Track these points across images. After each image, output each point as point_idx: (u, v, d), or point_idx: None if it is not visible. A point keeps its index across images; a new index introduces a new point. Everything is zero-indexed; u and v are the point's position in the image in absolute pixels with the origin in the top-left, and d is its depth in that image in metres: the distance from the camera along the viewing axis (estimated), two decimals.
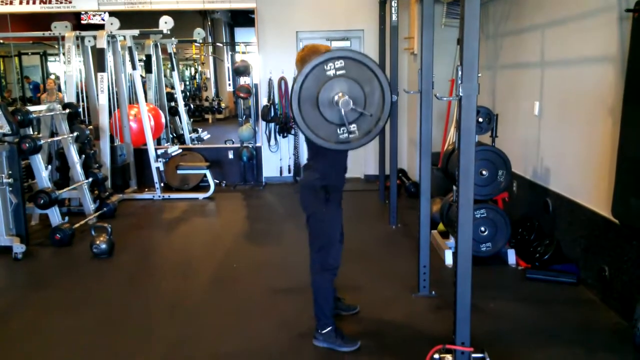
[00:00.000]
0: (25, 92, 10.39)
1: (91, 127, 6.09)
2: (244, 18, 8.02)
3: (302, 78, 2.38)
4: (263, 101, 7.13)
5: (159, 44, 7.76)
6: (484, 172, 3.87)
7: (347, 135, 2.44)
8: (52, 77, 8.17)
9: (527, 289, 3.60)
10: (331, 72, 2.38)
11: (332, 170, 2.78)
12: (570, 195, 3.70)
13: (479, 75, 2.18)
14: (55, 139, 5.41)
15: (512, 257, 4.00)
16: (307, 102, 2.40)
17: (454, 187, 2.50)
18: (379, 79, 2.41)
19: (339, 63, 2.38)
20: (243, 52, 8.77)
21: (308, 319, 3.07)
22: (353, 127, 2.40)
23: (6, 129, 4.48)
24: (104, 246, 4.42)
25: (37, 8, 7.02)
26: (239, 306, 3.49)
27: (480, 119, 3.97)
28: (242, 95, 7.04)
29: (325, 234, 2.81)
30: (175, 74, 8.36)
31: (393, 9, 4.83)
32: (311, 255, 2.87)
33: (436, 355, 2.40)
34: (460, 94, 2.19)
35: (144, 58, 7.63)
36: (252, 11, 7.09)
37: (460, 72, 2.18)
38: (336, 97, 2.36)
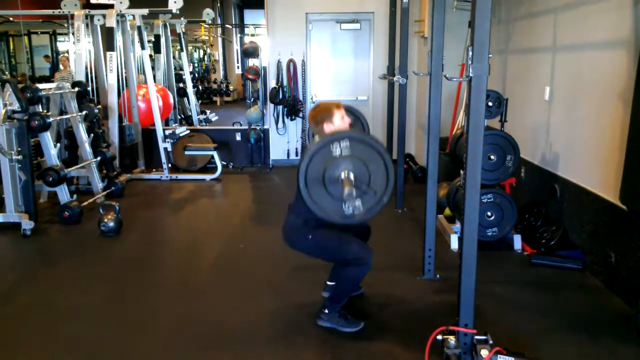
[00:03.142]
0: (35, 72, 10.44)
1: (100, 106, 6.11)
2: None
3: (309, 159, 2.46)
4: (271, 83, 7.11)
5: (168, 24, 7.74)
6: (492, 157, 3.85)
7: (352, 211, 2.50)
8: (66, 54, 8.24)
9: (532, 274, 3.61)
10: (337, 152, 2.45)
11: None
12: (578, 181, 3.69)
13: (490, 56, 2.16)
14: (64, 117, 5.43)
15: (518, 242, 4.00)
16: (313, 180, 2.48)
17: (462, 172, 2.49)
18: (384, 158, 2.48)
19: (345, 143, 2.45)
20: (252, 34, 8.74)
21: (313, 298, 3.09)
22: (358, 202, 2.46)
23: (16, 106, 4.50)
24: (111, 224, 4.46)
25: None
26: (245, 285, 3.52)
27: (490, 103, 3.94)
28: (250, 77, 7.02)
29: (328, 247, 2.79)
30: (184, 55, 8.36)
31: None
32: (344, 268, 2.80)
33: (439, 337, 2.42)
34: (471, 75, 2.17)
35: (153, 39, 7.62)
36: None
37: (470, 53, 2.16)
38: (342, 176, 2.43)
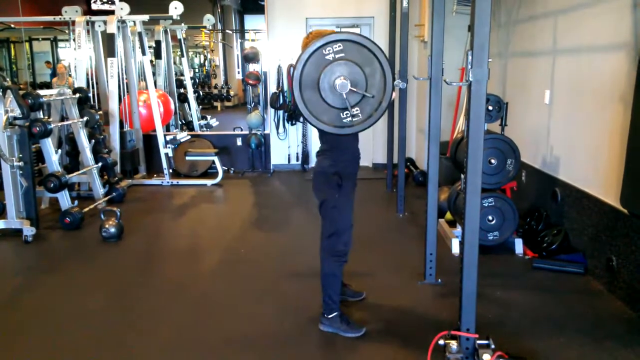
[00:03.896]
0: (35, 78, 10.47)
1: (101, 112, 6.12)
2: (254, 5, 7.99)
3: (302, 64, 2.37)
4: (272, 88, 7.13)
5: (168, 30, 7.76)
6: (492, 161, 3.85)
7: (350, 119, 2.43)
8: (63, 62, 8.23)
9: (533, 278, 3.60)
10: (330, 56, 2.37)
11: (344, 156, 2.78)
12: (579, 184, 3.68)
13: (490, 60, 2.16)
14: (66, 123, 5.44)
15: (519, 246, 3.99)
16: (308, 88, 2.39)
17: (462, 176, 2.49)
18: (379, 59, 2.39)
19: (338, 46, 2.36)
20: (252, 40, 8.75)
21: (315, 304, 3.09)
22: (356, 110, 2.39)
23: (17, 112, 4.52)
24: (113, 230, 4.46)
25: None
26: (246, 290, 3.51)
27: (490, 107, 3.95)
28: (251, 82, 7.04)
29: (338, 220, 2.81)
30: (184, 60, 8.37)
31: None
32: (322, 242, 2.87)
33: (441, 341, 2.41)
34: (470, 79, 2.17)
35: (154, 45, 7.64)
36: None
37: (470, 58, 2.16)
38: (337, 81, 2.35)
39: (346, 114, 2.43)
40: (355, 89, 2.36)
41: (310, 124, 2.49)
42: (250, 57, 7.04)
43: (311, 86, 2.39)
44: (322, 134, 2.74)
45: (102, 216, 4.56)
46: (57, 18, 6.44)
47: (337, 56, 2.36)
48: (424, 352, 2.43)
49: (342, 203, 2.80)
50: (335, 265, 2.84)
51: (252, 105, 7.24)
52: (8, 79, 9.78)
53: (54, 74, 10.17)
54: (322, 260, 2.87)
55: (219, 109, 11.00)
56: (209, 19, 7.70)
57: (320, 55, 2.37)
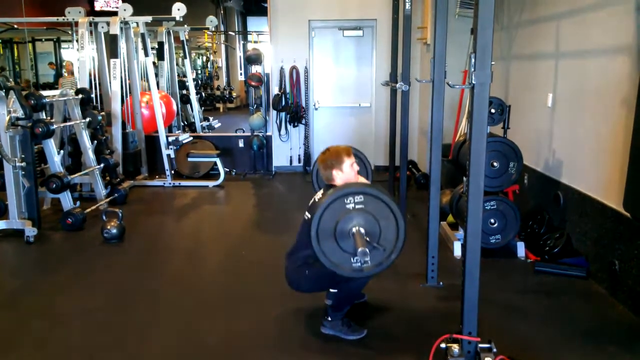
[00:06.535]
0: (38, 79, 10.50)
1: (103, 113, 6.13)
2: (257, 6, 8.03)
3: (323, 209, 2.48)
4: (274, 90, 7.13)
5: (171, 31, 7.78)
6: (495, 164, 3.84)
7: (360, 264, 2.52)
8: (71, 61, 8.32)
9: (536, 281, 3.59)
10: (351, 206, 2.48)
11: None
12: (582, 188, 3.67)
13: (492, 63, 2.16)
14: (68, 124, 5.45)
15: (521, 249, 3.98)
16: (324, 231, 2.49)
17: (464, 178, 2.49)
18: (396, 216, 2.51)
19: (359, 198, 2.48)
20: (255, 41, 8.77)
21: (316, 306, 3.08)
22: (367, 258, 2.45)
23: (20, 113, 4.52)
24: (114, 231, 4.46)
25: None
26: (247, 292, 3.51)
27: (493, 110, 3.94)
28: (253, 84, 7.04)
29: (326, 275, 2.67)
30: (187, 62, 8.38)
31: None
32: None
33: (443, 345, 2.40)
34: (473, 82, 2.17)
35: (157, 46, 7.65)
36: None
37: (473, 60, 2.16)
38: (353, 230, 2.45)
39: (356, 259, 2.52)
40: (368, 239, 2.46)
41: (324, 264, 2.55)
42: (252, 59, 7.05)
43: (328, 229, 2.49)
44: (304, 242, 2.69)
45: (104, 217, 4.56)
46: (60, 19, 6.46)
47: (357, 206, 2.49)
48: (425, 356, 2.43)
49: (315, 267, 2.74)
50: (362, 283, 2.82)
51: (254, 106, 7.23)
52: (11, 80, 9.81)
53: (57, 75, 10.21)
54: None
55: (221, 110, 11.03)
56: (211, 21, 7.72)
57: (341, 203, 2.49)
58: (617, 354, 2.69)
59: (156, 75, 7.19)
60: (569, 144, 3.91)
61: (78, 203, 5.09)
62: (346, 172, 2.82)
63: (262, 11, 7.30)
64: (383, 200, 2.51)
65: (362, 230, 2.46)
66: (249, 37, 9.39)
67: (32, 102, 4.66)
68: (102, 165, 5.57)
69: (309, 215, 2.63)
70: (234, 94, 11.14)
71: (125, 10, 6.26)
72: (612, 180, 3.27)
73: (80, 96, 5.47)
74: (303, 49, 7.07)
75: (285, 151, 7.39)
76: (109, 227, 4.46)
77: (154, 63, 7.26)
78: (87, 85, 6.18)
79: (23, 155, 4.57)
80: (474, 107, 2.20)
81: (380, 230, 2.51)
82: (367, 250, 2.38)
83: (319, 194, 2.80)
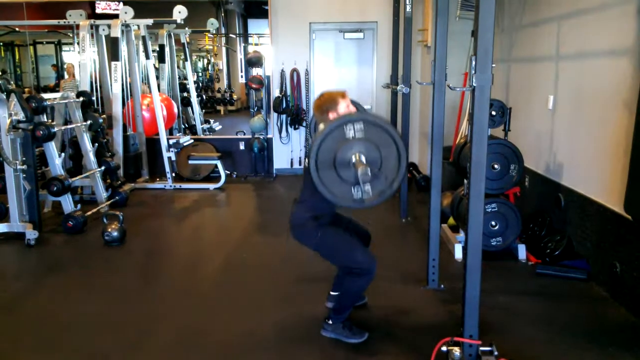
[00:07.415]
0: (40, 81, 10.51)
1: (104, 115, 6.14)
2: (257, 9, 8.02)
3: (322, 138, 2.41)
4: (275, 93, 7.13)
5: (172, 34, 7.79)
6: (495, 166, 3.84)
7: (361, 194, 2.46)
8: (71, 63, 8.35)
9: (537, 284, 3.58)
10: (350, 134, 2.41)
11: (324, 203, 2.68)
12: (583, 190, 3.67)
13: (493, 65, 2.16)
14: (69, 126, 5.45)
15: (522, 252, 3.98)
16: (324, 161, 2.43)
17: (465, 181, 2.48)
18: (397, 143, 2.45)
19: (359, 125, 2.41)
20: (256, 44, 8.78)
21: (316, 309, 3.08)
22: (367, 187, 2.42)
23: (21, 115, 4.53)
24: (115, 234, 4.46)
25: None
26: (248, 295, 3.51)
27: (494, 112, 3.94)
28: (254, 86, 7.04)
29: (336, 250, 2.78)
30: (188, 64, 8.39)
31: (407, 0, 4.79)
32: (342, 270, 2.87)
33: (444, 348, 2.40)
34: (474, 85, 2.17)
35: (157, 49, 7.66)
36: (265, 2, 7.07)
37: (474, 63, 2.16)
38: (353, 159, 2.39)
39: (357, 189, 2.46)
40: (371, 173, 2.39)
41: (323, 195, 2.49)
42: (253, 61, 7.05)
43: (327, 159, 2.43)
44: (308, 186, 2.66)
45: (105, 220, 4.56)
46: (62, 22, 6.47)
47: (357, 135, 2.42)
48: (427, 359, 2.42)
49: (329, 237, 2.76)
50: (364, 281, 2.78)
51: (255, 109, 7.24)
52: (12, 82, 9.82)
53: (59, 77, 10.22)
54: (351, 276, 2.77)
55: (222, 112, 11.02)
56: (212, 23, 7.72)
57: (340, 132, 2.42)
58: (618, 356, 2.69)
59: (157, 77, 7.20)
60: (569, 146, 3.91)
61: (79, 206, 5.09)
62: (342, 114, 2.73)
63: (263, 14, 7.30)
64: (383, 128, 2.43)
65: (363, 157, 2.38)
66: (250, 40, 9.39)
67: (33, 104, 4.67)
68: (103, 167, 5.58)
69: (308, 160, 2.55)
70: (235, 97, 11.14)
71: (126, 13, 6.27)
72: (613, 182, 3.27)
73: (81, 99, 5.48)
74: (304, 52, 7.08)
75: (286, 153, 7.39)
76: (109, 229, 4.46)
77: (154, 66, 7.27)
78: (88, 88, 6.19)
79: (24, 158, 4.57)
80: (474, 109, 2.20)
81: (382, 158, 2.43)
82: (368, 170, 2.31)
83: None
